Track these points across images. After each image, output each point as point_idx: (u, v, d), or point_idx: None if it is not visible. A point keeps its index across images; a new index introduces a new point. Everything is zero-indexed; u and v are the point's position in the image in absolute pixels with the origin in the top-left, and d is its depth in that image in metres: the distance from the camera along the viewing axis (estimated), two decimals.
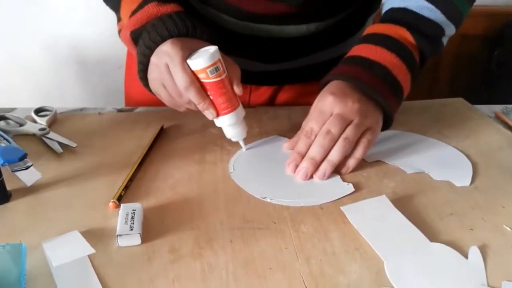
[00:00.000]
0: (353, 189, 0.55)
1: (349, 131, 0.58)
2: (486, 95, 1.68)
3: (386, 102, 0.59)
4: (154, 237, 0.47)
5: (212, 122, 0.61)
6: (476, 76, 1.75)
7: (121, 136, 0.66)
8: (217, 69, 0.57)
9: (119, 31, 0.69)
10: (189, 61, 0.57)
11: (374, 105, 0.60)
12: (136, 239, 0.46)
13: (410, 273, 0.43)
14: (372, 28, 0.66)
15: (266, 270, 0.43)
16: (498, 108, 0.79)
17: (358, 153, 0.59)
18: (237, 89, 0.60)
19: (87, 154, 0.62)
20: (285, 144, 0.64)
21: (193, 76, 0.57)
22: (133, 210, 0.48)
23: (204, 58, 0.56)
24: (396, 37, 0.63)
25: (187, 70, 0.57)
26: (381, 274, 0.43)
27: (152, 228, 0.48)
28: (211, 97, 0.58)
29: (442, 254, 0.45)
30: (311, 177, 0.58)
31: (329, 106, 0.59)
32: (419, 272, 0.43)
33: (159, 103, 0.78)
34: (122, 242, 0.45)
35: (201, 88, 0.58)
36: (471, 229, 0.49)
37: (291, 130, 0.68)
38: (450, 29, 0.65)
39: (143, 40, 0.60)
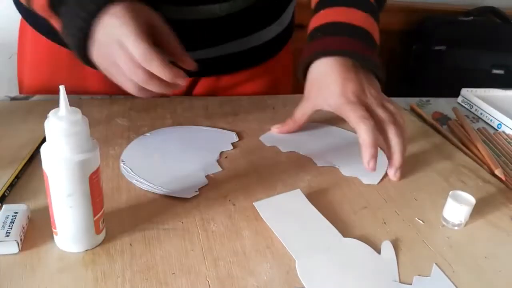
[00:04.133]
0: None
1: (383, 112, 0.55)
2: (405, 89, 1.75)
3: (381, 71, 0.58)
4: (41, 243, 0.41)
5: (119, 112, 0.55)
6: (395, 70, 1.82)
7: (12, 128, 0.58)
8: None
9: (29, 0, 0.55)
10: None
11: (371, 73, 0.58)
12: (12, 247, 0.39)
13: (322, 271, 0.41)
14: None
15: (168, 275, 0.39)
16: (413, 100, 0.81)
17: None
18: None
19: None
20: (275, 129, 0.63)
21: (151, 45, 0.47)
22: (15, 212, 0.42)
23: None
24: None
25: (144, 38, 0.47)
26: (292, 274, 0.41)
27: (39, 232, 0.42)
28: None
29: (355, 250, 0.44)
30: None
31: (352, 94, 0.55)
32: (331, 269, 0.41)
33: (57, 90, 0.70)
34: None
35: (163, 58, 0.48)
36: (384, 223, 0.48)
37: (208, 121, 0.64)
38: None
39: (72, 8, 0.49)
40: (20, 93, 0.78)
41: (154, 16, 0.51)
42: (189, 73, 0.73)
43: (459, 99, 0.83)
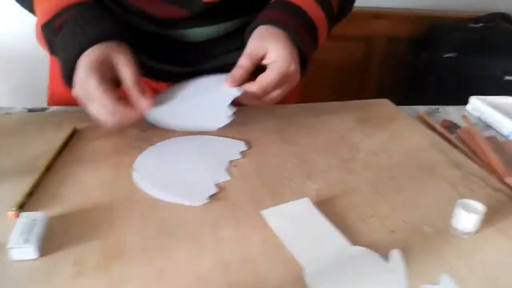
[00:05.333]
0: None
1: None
2: (413, 97, 1.75)
3: (306, 49, 0.64)
4: (57, 249, 0.43)
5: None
6: (403, 78, 1.82)
7: (30, 138, 0.60)
8: None
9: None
10: None
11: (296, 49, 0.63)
12: (30, 253, 0.41)
13: (329, 279, 0.41)
14: None
15: (180, 281, 0.40)
16: (422, 109, 0.81)
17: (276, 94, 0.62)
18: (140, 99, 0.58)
19: None
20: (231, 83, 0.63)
21: (112, 97, 0.56)
22: (33, 220, 0.43)
23: None
24: None
25: (104, 95, 0.55)
26: (300, 282, 0.41)
27: (56, 239, 0.44)
28: None
29: (363, 258, 0.44)
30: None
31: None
32: (339, 277, 0.42)
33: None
34: (15, 255, 0.41)
35: (125, 104, 0.57)
36: (392, 231, 0.48)
37: (217, 130, 0.65)
38: None
39: (60, 56, 0.59)
40: (49, 104, 0.80)
41: (118, 60, 0.59)
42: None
43: (469, 107, 0.83)
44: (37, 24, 0.62)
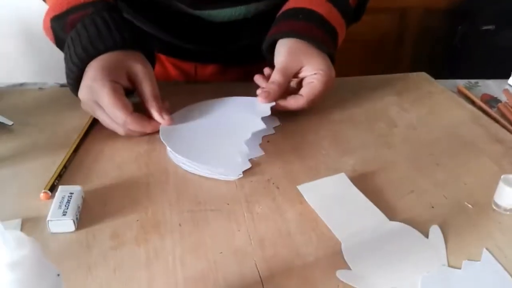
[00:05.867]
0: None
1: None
2: (449, 70, 1.69)
3: (332, 53, 0.63)
4: (95, 222, 0.43)
5: (167, 96, 0.59)
6: (439, 51, 1.76)
7: (63, 113, 0.61)
8: None
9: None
10: None
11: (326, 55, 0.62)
12: (69, 226, 0.41)
13: (368, 254, 0.41)
14: None
15: (216, 254, 0.40)
16: (460, 83, 0.78)
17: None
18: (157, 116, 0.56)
19: (24, 133, 0.57)
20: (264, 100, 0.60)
21: (126, 108, 0.53)
22: (71, 193, 0.44)
23: None
24: None
25: (118, 104, 0.53)
26: (338, 256, 0.41)
27: (93, 212, 0.44)
28: None
29: (402, 234, 0.43)
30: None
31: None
32: (377, 252, 0.41)
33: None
34: (53, 228, 0.41)
35: (139, 116, 0.55)
36: (432, 207, 0.47)
37: None
38: None
39: (69, 53, 0.56)
40: None
41: (137, 71, 0.56)
42: (219, 61, 0.79)
43: (510, 80, 0.80)
44: (46, 15, 0.60)
